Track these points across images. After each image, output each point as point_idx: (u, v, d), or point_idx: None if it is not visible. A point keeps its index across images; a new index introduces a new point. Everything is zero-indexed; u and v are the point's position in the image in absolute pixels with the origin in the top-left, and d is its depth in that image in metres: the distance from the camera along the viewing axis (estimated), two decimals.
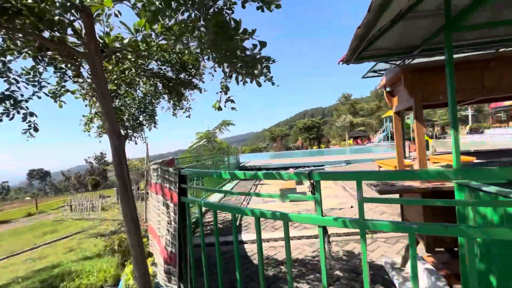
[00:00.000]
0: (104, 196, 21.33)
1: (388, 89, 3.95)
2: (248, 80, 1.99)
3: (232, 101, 2.08)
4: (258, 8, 1.54)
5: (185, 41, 2.41)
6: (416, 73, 3.08)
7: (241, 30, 1.57)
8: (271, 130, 60.18)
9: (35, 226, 14.78)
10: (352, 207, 7.30)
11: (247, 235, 5.93)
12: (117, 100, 3.40)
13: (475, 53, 3.45)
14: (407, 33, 3.24)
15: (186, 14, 1.88)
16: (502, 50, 3.47)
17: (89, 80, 2.93)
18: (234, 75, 1.89)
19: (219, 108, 2.05)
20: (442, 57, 3.62)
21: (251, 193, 2.04)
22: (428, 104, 3.34)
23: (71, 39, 2.32)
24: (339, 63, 3.66)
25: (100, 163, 51.44)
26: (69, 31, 2.04)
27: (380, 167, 12.77)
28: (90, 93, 2.93)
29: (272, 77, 1.73)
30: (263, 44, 1.61)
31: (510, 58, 2.99)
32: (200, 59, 2.97)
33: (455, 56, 3.73)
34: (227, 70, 1.92)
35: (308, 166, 15.09)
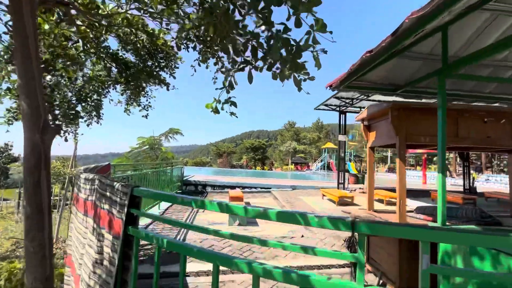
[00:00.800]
0: (0, 199, 16.94)
1: (366, 123, 3.94)
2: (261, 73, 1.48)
3: (234, 103, 1.52)
4: None
5: (170, 18, 1.80)
6: (403, 111, 3.07)
7: None
8: (218, 146, 59.20)
9: None
10: (302, 236, 7.09)
11: (191, 265, 5.04)
12: (49, 76, 2.41)
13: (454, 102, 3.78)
14: (395, 71, 3.27)
15: None
16: (473, 104, 3.81)
17: (6, 37, 1.99)
18: (249, 67, 1.35)
19: (216, 110, 1.47)
20: (429, 100, 3.77)
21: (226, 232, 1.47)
22: (408, 144, 3.40)
23: None
24: (327, 88, 3.47)
25: (1, 156, 41.63)
26: None
27: (324, 195, 13.19)
28: (5, 57, 1.97)
29: (313, 77, 1.25)
30: (322, 26, 1.11)
31: (478, 112, 3.25)
32: (183, 46, 2.32)
33: (433, 101, 3.92)
34: (238, 59, 1.38)
35: (255, 187, 14.78)
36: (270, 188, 14.95)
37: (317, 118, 69.98)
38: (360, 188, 14.91)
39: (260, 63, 1.36)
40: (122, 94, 3.45)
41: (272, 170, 44.15)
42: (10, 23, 1.96)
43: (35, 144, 1.23)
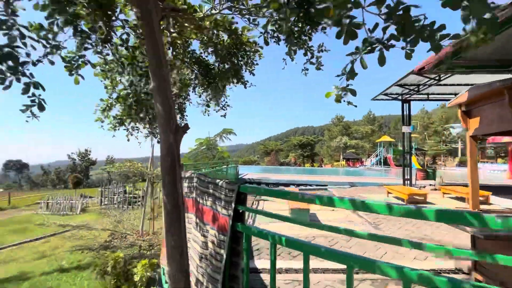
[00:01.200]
0: (86, 196, 19.85)
1: (464, 108, 3.40)
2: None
3: (352, 91, 1.37)
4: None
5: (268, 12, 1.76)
6: None
7: None
8: (265, 144, 59.95)
9: (5, 222, 13.30)
10: None
11: (261, 262, 5.08)
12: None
13: None
14: (509, 43, 2.73)
15: None
16: None
17: (114, 50, 2.19)
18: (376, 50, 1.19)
19: (338, 99, 1.35)
20: None
21: (340, 228, 1.33)
22: None
23: None
24: (415, 72, 3.10)
25: (83, 160, 49.09)
26: None
27: (389, 192, 12.05)
28: (118, 68, 2.18)
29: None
30: None
31: None
32: (273, 40, 2.29)
33: None
34: (372, 37, 1.22)
35: (310, 185, 14.42)
36: (326, 186, 14.42)
37: (368, 111, 65.08)
38: (430, 185, 13.36)
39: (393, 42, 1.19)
40: (199, 96, 3.61)
41: (322, 166, 42.73)
42: (124, 36, 2.17)
43: (170, 144, 1.29)
